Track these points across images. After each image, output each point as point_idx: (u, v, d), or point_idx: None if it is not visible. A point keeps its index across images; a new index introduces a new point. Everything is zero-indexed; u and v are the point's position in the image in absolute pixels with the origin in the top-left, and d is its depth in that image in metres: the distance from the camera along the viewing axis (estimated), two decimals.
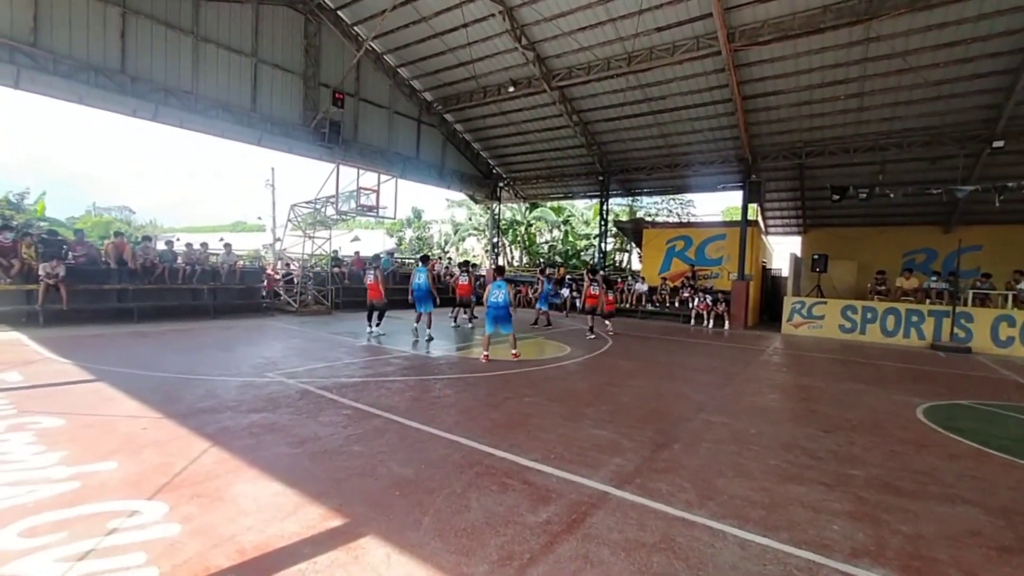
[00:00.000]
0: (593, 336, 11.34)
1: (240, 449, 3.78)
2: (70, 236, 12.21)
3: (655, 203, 27.91)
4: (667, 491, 3.35)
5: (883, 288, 14.47)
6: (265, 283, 13.59)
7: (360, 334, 10.01)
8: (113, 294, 10.51)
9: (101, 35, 10.49)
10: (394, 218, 14.96)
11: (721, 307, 15.29)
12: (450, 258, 26.88)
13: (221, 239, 17.78)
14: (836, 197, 13.70)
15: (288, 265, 14.98)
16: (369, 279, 10.26)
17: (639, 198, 26.99)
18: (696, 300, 15.79)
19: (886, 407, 6.09)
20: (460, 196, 25.60)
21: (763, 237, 20.26)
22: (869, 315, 13.24)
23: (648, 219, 26.58)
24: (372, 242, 36.24)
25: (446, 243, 34.19)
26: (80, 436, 3.87)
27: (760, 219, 20.62)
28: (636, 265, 26.92)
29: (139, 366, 6.35)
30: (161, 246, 13.11)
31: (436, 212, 37.17)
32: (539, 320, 13.25)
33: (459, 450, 3.99)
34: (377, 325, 10.10)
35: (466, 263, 13.96)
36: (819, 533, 2.90)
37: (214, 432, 4.10)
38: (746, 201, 16.08)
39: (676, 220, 26.79)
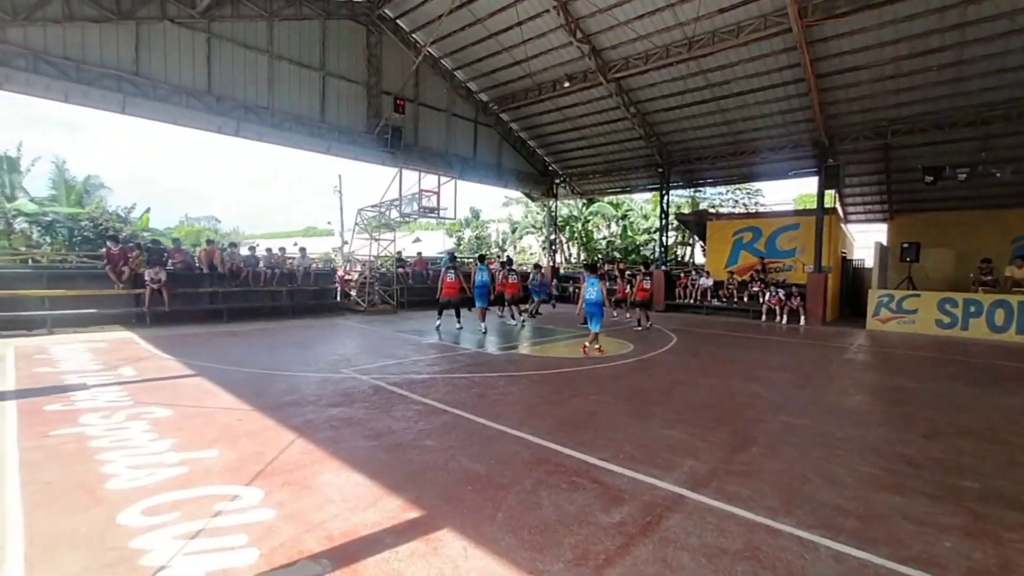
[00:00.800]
0: (640, 328, 11.49)
1: (322, 441, 4.02)
2: (169, 245, 13.49)
3: (719, 194, 26.61)
4: (748, 496, 3.19)
5: (989, 278, 12.95)
6: (337, 284, 14.34)
7: (426, 332, 10.33)
8: (206, 296, 11.51)
9: (191, 60, 11.50)
10: (454, 219, 15.28)
11: (796, 302, 14.34)
12: (497, 257, 27.06)
13: (295, 243, 18.96)
14: (929, 179, 12.45)
15: (356, 267, 15.73)
16: (450, 277, 10.73)
17: (702, 189, 25.84)
18: (767, 294, 14.91)
19: (999, 411, 5.46)
20: (518, 194, 25.70)
21: (842, 226, 18.78)
22: (972, 308, 11.90)
23: (712, 211, 25.44)
24: (433, 243, 37.28)
25: (504, 242, 34.48)
26: (186, 425, 4.28)
27: (839, 206, 19.12)
28: (700, 259, 25.85)
29: (231, 362, 6.91)
30: (244, 252, 14.18)
31: (493, 211, 37.51)
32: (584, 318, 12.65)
33: (527, 447, 4.01)
34: (458, 321, 11.05)
35: (508, 261, 14.53)
36: (927, 549, 2.65)
37: (299, 424, 4.39)
38: (822, 187, 14.97)
39: (743, 211, 25.43)
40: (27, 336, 8.76)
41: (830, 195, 17.15)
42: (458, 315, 11.15)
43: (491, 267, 13.66)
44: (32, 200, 18.05)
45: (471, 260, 20.61)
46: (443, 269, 11.06)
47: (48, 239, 18.21)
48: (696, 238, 25.37)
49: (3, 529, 2.64)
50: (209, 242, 13.59)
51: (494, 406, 5.14)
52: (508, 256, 15.88)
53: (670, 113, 16.25)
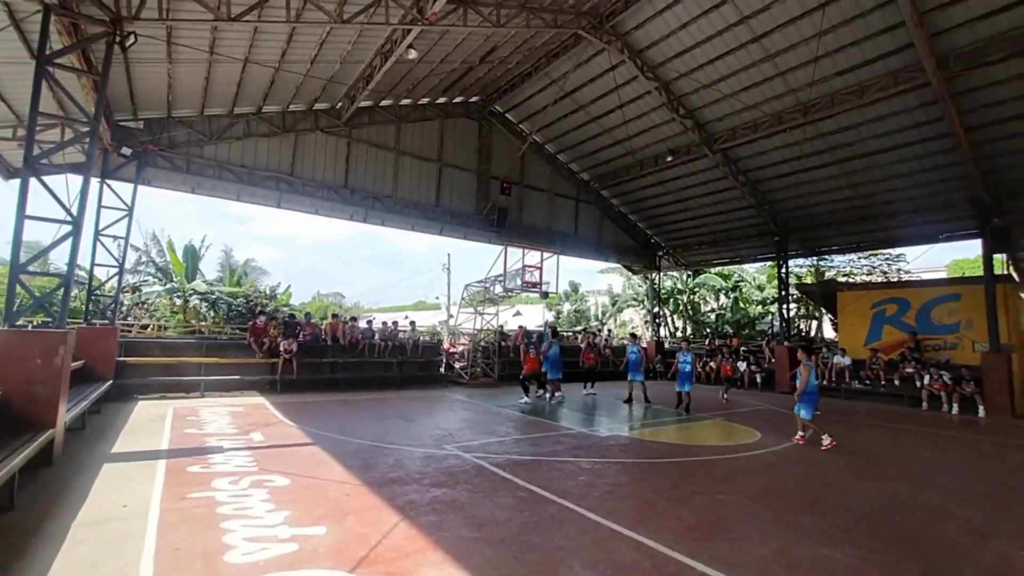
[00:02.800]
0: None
1: (425, 526, 3.83)
2: (301, 318, 15.11)
3: (851, 261, 23.81)
4: None
5: None
6: (443, 357, 14.81)
7: (526, 408, 10.04)
8: (328, 366, 12.48)
9: (333, 161, 13.46)
10: (555, 292, 15.32)
11: (969, 387, 11.77)
12: (584, 330, 26.28)
13: (405, 317, 20.21)
14: None
15: (461, 339, 16.22)
16: (531, 353, 11.71)
17: (828, 257, 23.39)
18: (927, 378, 12.48)
19: None
20: (617, 265, 25.39)
21: (1022, 295, 15.60)
22: None
23: (843, 279, 22.77)
24: (533, 316, 37.72)
25: (604, 315, 33.78)
26: (300, 497, 4.37)
27: (1013, 271, 16.00)
28: (829, 333, 22.88)
29: (344, 432, 7.19)
30: (363, 324, 15.38)
31: (592, 284, 37.35)
32: (682, 401, 10.57)
33: (649, 556, 3.45)
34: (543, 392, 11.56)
35: (587, 332, 14.61)
36: None
37: (402, 504, 4.28)
38: (989, 251, 12.71)
39: (881, 279, 22.36)
40: (185, 399, 10.03)
41: (1000, 260, 14.51)
42: (540, 386, 11.70)
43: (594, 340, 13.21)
44: (205, 281, 21.62)
45: (570, 334, 20.34)
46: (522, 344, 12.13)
47: (212, 314, 21.46)
48: (823, 310, 22.68)
49: None
50: (334, 316, 14.99)
51: (605, 499, 4.62)
52: (552, 326, 14.76)
53: (784, 180, 15.29)
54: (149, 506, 4.06)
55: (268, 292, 23.32)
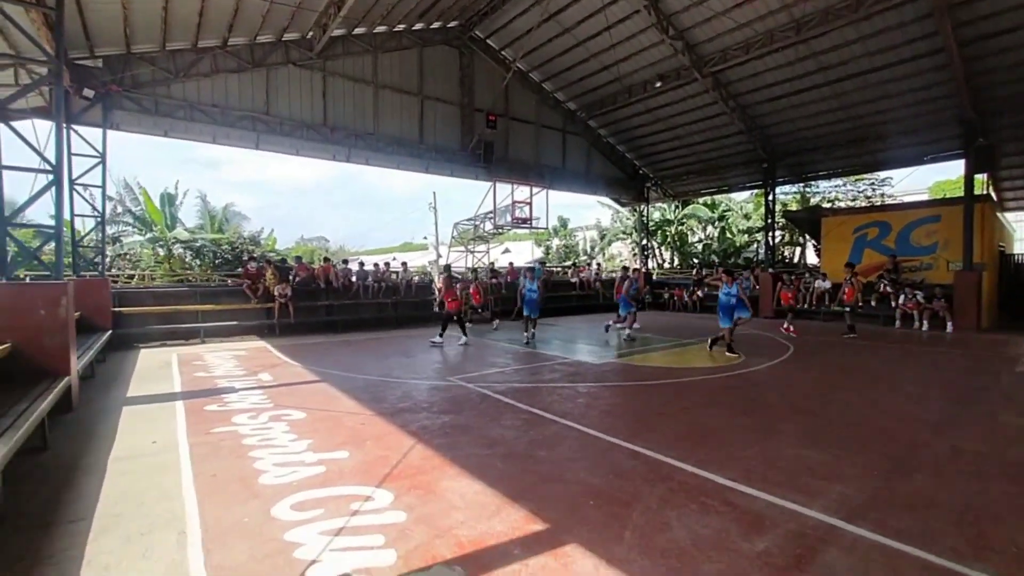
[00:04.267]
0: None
1: (439, 447, 4.15)
2: (292, 262, 15.02)
3: (836, 186, 23.91)
4: (920, 533, 2.74)
5: None
6: (435, 296, 15.00)
7: (521, 340, 10.40)
8: (323, 309, 12.64)
9: (309, 97, 12.83)
10: (546, 227, 15.35)
11: (939, 304, 12.40)
12: (573, 264, 26.56)
13: (393, 258, 20.18)
14: None
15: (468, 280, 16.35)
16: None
17: (815, 184, 23.45)
18: (902, 297, 13.07)
19: None
20: (607, 200, 25.25)
21: (998, 215, 16.04)
22: None
23: (828, 205, 23.01)
24: (522, 252, 37.80)
25: (592, 249, 34.00)
26: (319, 428, 4.66)
27: (992, 192, 16.34)
28: (812, 259, 23.43)
29: (349, 369, 7.46)
30: (354, 267, 15.37)
31: (581, 219, 37.22)
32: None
33: (644, 462, 3.83)
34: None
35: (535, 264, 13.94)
36: None
37: (416, 430, 4.59)
38: (971, 171, 12.89)
39: (865, 204, 22.64)
40: (185, 345, 10.19)
41: (980, 180, 14.74)
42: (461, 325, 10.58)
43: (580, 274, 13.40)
44: (186, 229, 21.13)
45: (559, 269, 20.60)
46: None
47: (197, 262, 21.18)
48: (807, 237, 23.10)
49: (184, 515, 3.02)
50: (325, 259, 14.93)
51: (603, 417, 5.00)
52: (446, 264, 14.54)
53: (776, 103, 15.01)
54: (177, 441, 4.31)
55: (252, 238, 22.94)
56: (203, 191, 22.48)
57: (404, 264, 15.08)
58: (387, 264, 14.65)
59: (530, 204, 12.97)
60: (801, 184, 22.97)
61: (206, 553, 2.61)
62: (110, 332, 8.88)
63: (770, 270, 17.15)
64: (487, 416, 5.04)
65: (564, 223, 36.86)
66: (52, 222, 4.97)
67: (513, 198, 12.87)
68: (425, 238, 35.32)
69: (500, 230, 13.98)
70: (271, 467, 3.72)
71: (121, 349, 9.43)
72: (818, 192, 24.64)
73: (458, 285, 11.62)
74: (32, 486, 3.42)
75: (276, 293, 11.52)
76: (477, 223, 13.99)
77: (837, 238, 16.98)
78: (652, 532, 2.77)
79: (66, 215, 10.00)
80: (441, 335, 10.12)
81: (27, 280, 5.33)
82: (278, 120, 12.33)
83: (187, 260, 20.78)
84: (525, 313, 10.44)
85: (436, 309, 14.86)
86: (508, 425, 4.74)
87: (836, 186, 23.86)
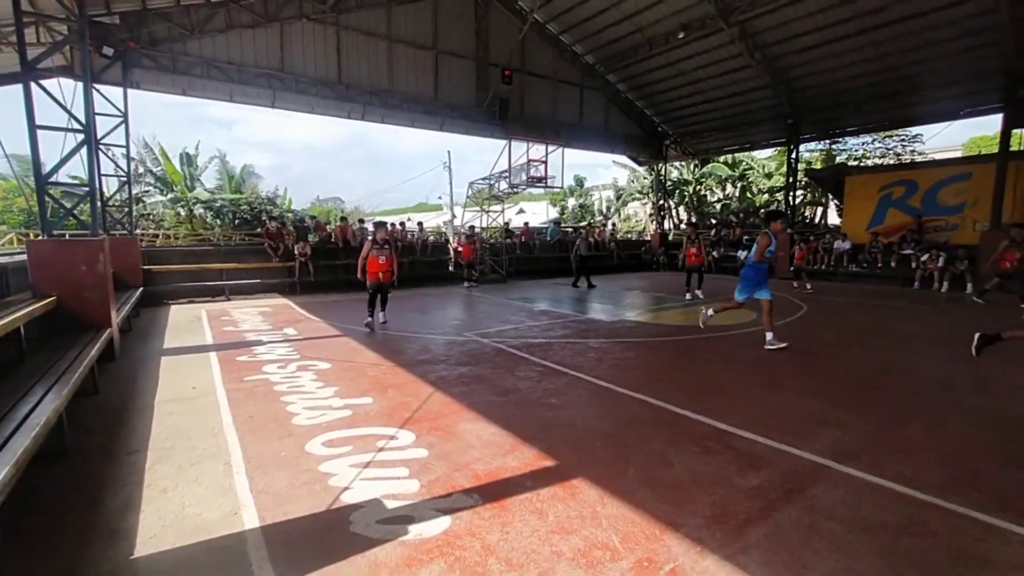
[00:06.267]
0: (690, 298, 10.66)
1: (457, 395, 4.41)
2: (310, 223, 15.29)
3: (864, 143, 22.97)
4: (908, 473, 2.91)
5: None
6: (451, 256, 15.20)
7: (536, 299, 10.59)
8: (342, 267, 12.93)
9: (323, 52, 12.68)
10: (561, 187, 15.23)
11: (961, 266, 12.14)
12: (589, 224, 26.32)
13: (408, 219, 20.29)
14: None
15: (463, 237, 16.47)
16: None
17: (840, 141, 22.56)
18: (925, 258, 12.82)
19: None
20: (624, 159, 24.73)
21: None
22: None
23: (853, 164, 22.22)
24: (537, 213, 37.54)
25: (608, 209, 33.58)
26: (344, 377, 4.96)
27: None
28: (834, 220, 22.87)
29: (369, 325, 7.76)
30: (370, 227, 15.56)
31: (596, 179, 36.56)
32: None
33: (651, 409, 4.03)
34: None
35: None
36: None
37: (435, 380, 4.86)
38: (1008, 124, 12.32)
39: (893, 163, 21.79)
40: (212, 302, 10.62)
41: (1017, 135, 14.09)
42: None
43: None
44: (206, 189, 21.44)
45: (573, 229, 20.52)
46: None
47: (218, 222, 21.60)
48: (830, 197, 22.46)
49: (227, 449, 3.34)
50: (343, 219, 15.14)
51: (613, 370, 5.20)
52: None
53: (805, 55, 14.33)
54: (214, 387, 4.66)
55: (270, 198, 23.19)
56: (222, 151, 22.57)
57: (420, 224, 15.22)
58: (403, 224, 14.79)
59: (545, 163, 12.82)
60: (827, 141, 22.16)
61: (250, 480, 2.91)
62: (141, 289, 9.31)
63: (789, 230, 16.84)
64: (502, 368, 5.28)
65: (580, 182, 36.30)
66: (72, 182, 5.18)
67: (528, 156, 12.72)
68: (440, 198, 35.24)
69: (515, 189, 13.91)
70: (302, 410, 4.03)
71: (152, 305, 9.88)
72: (844, 150, 23.75)
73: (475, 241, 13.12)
74: (89, 425, 3.78)
75: (296, 252, 11.81)
76: (492, 182, 13.93)
77: (861, 197, 16.55)
78: (654, 469, 3.00)
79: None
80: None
81: (67, 238, 5.60)
82: (293, 77, 12.26)
83: (208, 220, 21.21)
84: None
85: (451, 269, 15.10)
86: (522, 376, 4.97)
87: (864, 143, 22.95)
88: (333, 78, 12.84)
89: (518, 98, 16.18)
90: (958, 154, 21.94)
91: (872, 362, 5.56)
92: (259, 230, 14.32)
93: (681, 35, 14.35)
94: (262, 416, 3.92)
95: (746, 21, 13.49)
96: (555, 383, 4.75)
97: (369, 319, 7.55)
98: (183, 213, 21.18)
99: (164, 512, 2.56)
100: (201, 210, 21.24)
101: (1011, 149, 12.54)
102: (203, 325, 7.94)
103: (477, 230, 14.40)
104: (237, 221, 21.47)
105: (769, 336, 6.13)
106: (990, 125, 11.89)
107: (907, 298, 11.10)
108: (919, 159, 20.89)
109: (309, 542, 2.31)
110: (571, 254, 13.98)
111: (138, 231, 16.87)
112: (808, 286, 12.08)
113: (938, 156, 19.92)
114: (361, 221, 15.41)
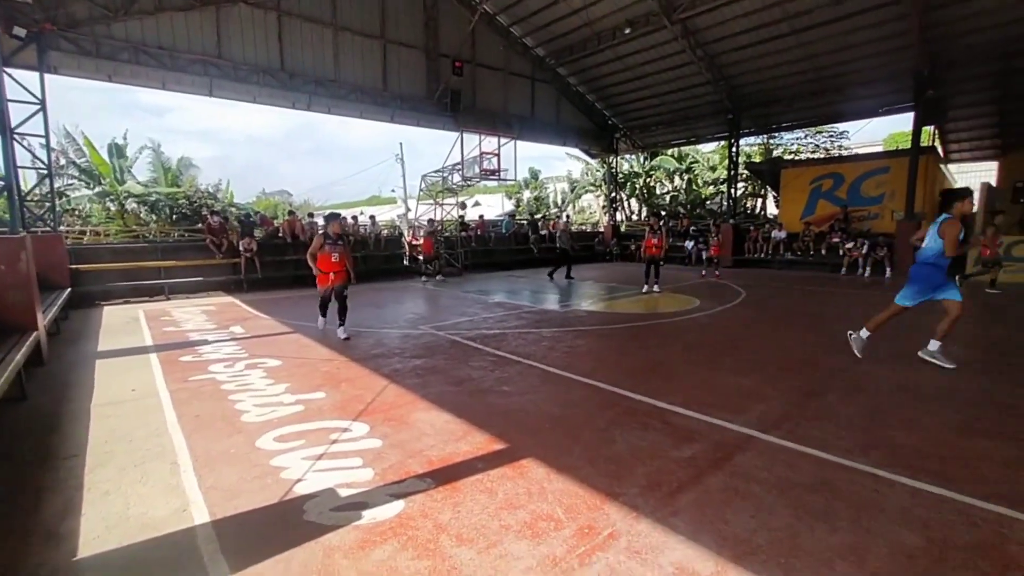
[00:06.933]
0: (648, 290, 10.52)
1: (411, 386, 4.47)
2: (255, 217, 14.68)
3: (798, 138, 24.47)
4: (820, 438, 3.25)
5: None
6: (405, 249, 15.04)
7: (491, 292, 10.70)
8: (291, 263, 12.55)
9: (264, 39, 12.14)
10: (514, 180, 15.35)
11: (881, 252, 13.28)
12: (557, 217, 26.76)
13: (361, 212, 19.87)
14: None
15: (422, 232, 16.34)
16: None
17: (778, 136, 23.94)
18: (850, 246, 13.90)
19: None
20: (578, 152, 25.15)
21: (941, 167, 16.91)
22: None
23: (788, 157, 23.62)
24: (493, 205, 37.54)
25: (563, 201, 34.09)
26: (295, 373, 4.89)
27: (938, 144, 17.13)
28: (772, 211, 24.28)
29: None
30: (320, 222, 15.15)
31: (551, 171, 36.96)
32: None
33: (598, 393, 4.25)
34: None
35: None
36: (1016, 488, 2.62)
37: (389, 373, 4.88)
38: (918, 123, 13.50)
39: (823, 157, 23.34)
40: (150, 302, 10.07)
41: (927, 132, 15.43)
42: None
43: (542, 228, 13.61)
44: (139, 183, 20.11)
45: (527, 222, 20.73)
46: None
47: (154, 217, 20.35)
48: (768, 188, 23.80)
49: (173, 448, 3.27)
50: (290, 213, 14.66)
51: (564, 357, 5.40)
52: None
53: (741, 53, 15.08)
54: (157, 388, 4.49)
55: (210, 192, 22.05)
56: (155, 141, 21.17)
57: (372, 218, 14.95)
58: (355, 218, 14.49)
59: (498, 155, 12.91)
60: (765, 136, 23.45)
61: (198, 477, 2.88)
62: (69, 290, 8.71)
63: (731, 221, 17.77)
64: (456, 359, 5.37)
65: (535, 175, 36.59)
66: None
67: (481, 149, 12.75)
68: (393, 191, 34.59)
69: (468, 182, 13.92)
70: (252, 408, 3.97)
71: (82, 307, 9.27)
72: (780, 144, 25.19)
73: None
74: (19, 431, 3.59)
75: (241, 248, 11.36)
76: (445, 175, 13.87)
77: (795, 189, 17.66)
78: (598, 446, 3.19)
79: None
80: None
81: None
82: (232, 64, 11.69)
83: (142, 216, 19.94)
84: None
85: (406, 263, 14.95)
86: (476, 366, 5.08)
87: (798, 138, 24.43)
88: (275, 66, 12.34)
89: (470, 90, 16.13)
90: (879, 149, 23.76)
91: (797, 342, 6.05)
92: (200, 226, 13.63)
93: (627, 31, 14.73)
94: (209, 415, 3.84)
95: (688, 19, 14.00)
96: (508, 371, 4.89)
97: (323, 319, 6.99)
98: (113, 208, 19.80)
99: (107, 513, 2.50)
100: (134, 205, 19.95)
101: (921, 145, 13.74)
102: (141, 326, 7.55)
103: (436, 223, 14.31)
104: (175, 216, 20.31)
105: (936, 346, 4.88)
106: (909, 121, 13.01)
107: (834, 283, 12.02)
108: (845, 154, 22.48)
109: (262, 533, 2.34)
110: (555, 246, 14.12)
111: (63, 228, 15.68)
112: (717, 272, 13.52)
113: (862, 151, 21.51)
114: (310, 215, 14.96)
